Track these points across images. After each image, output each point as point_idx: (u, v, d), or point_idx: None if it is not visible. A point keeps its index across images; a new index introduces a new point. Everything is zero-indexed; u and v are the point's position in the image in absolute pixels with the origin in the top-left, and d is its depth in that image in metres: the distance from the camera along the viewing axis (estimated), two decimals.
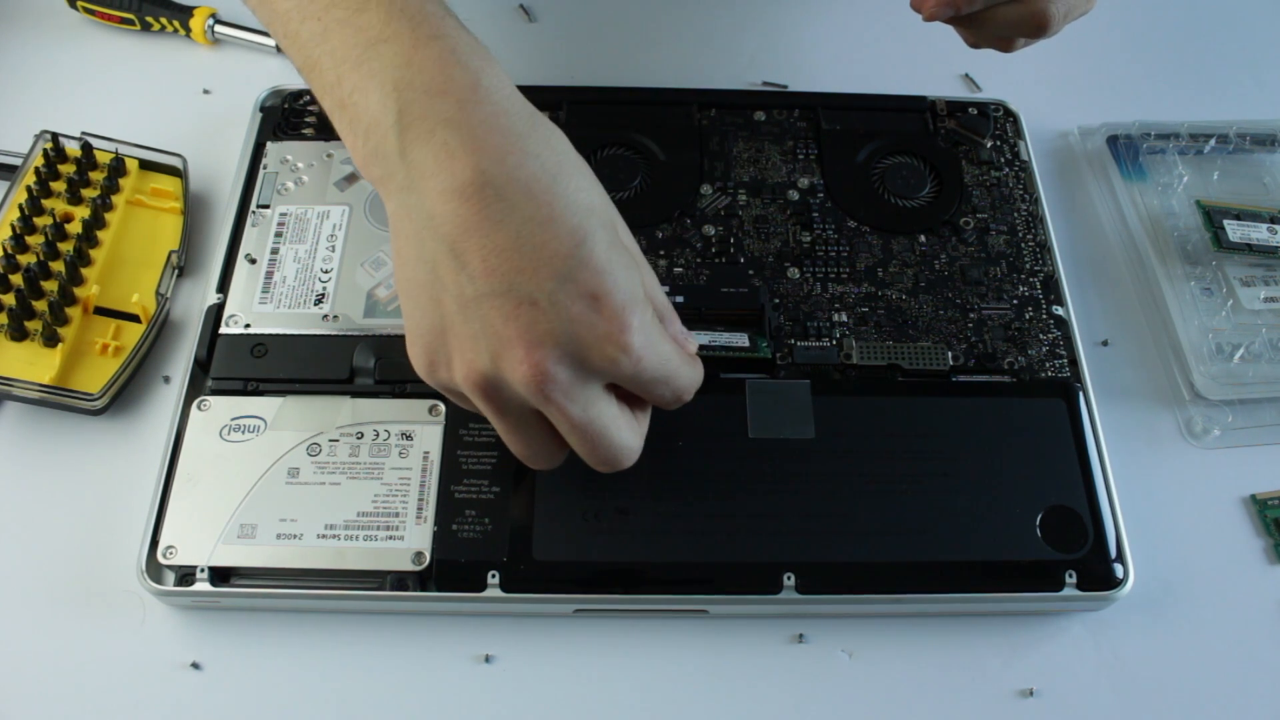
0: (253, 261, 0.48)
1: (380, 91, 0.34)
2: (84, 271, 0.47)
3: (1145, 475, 0.46)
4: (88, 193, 0.49)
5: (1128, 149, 0.55)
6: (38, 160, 0.50)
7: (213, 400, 0.44)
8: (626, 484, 0.42)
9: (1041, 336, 0.47)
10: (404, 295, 0.36)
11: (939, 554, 0.41)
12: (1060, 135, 0.58)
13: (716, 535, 0.41)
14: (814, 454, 0.43)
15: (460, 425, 0.43)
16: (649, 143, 0.52)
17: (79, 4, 0.58)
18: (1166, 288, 0.50)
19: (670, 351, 0.36)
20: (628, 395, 0.37)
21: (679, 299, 0.47)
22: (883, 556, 0.41)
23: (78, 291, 0.47)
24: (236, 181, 0.50)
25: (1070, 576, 0.41)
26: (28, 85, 0.56)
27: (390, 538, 0.41)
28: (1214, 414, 0.48)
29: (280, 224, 0.49)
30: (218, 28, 0.58)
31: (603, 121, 0.53)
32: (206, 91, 0.57)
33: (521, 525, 0.41)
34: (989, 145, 0.54)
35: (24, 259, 0.47)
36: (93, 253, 0.48)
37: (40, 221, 0.48)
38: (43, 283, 0.46)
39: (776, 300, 0.48)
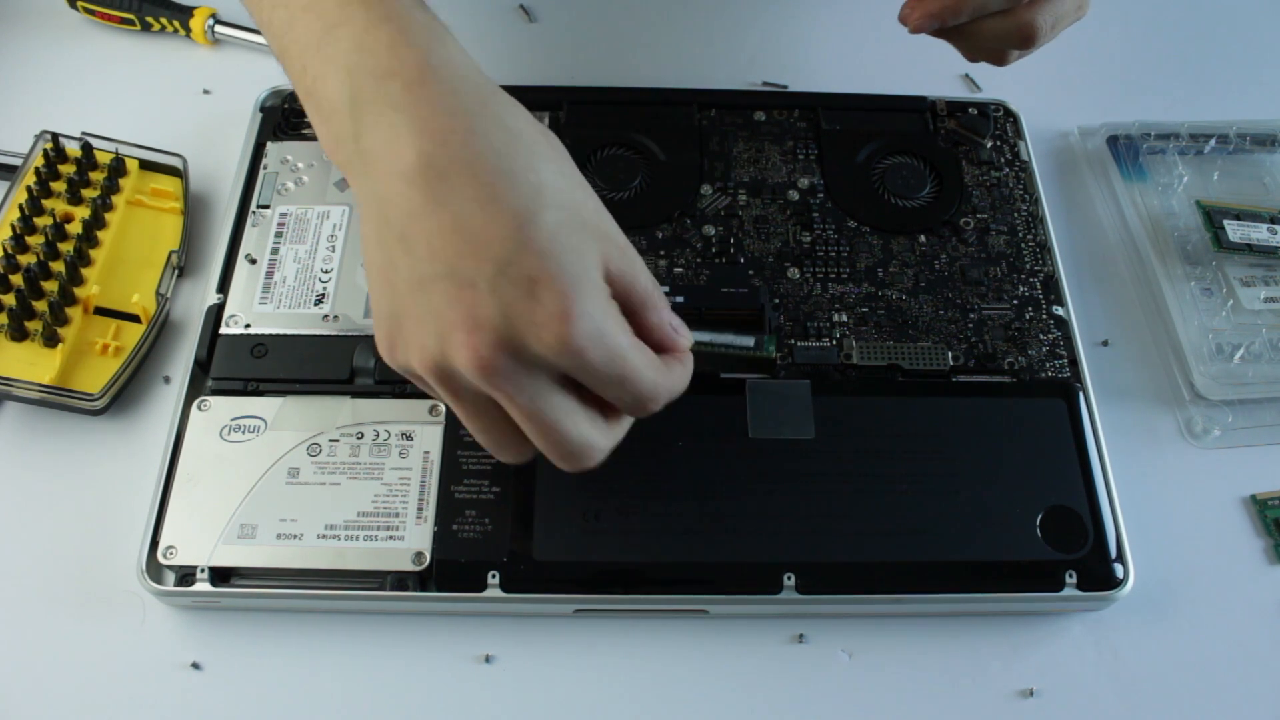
0: (253, 262, 0.48)
1: (337, 77, 0.34)
2: (84, 271, 0.47)
3: (1145, 475, 0.46)
4: (88, 193, 0.49)
5: (1128, 149, 0.55)
6: (38, 160, 0.50)
7: (213, 400, 0.44)
8: (626, 484, 0.42)
9: (1041, 336, 0.47)
10: (368, 279, 0.35)
11: (939, 554, 0.41)
12: (1060, 135, 0.58)
13: (716, 535, 0.41)
14: (814, 454, 0.43)
15: (460, 425, 0.43)
16: (649, 143, 0.52)
17: (79, 4, 0.58)
18: (1166, 288, 0.50)
19: (626, 348, 0.33)
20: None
21: (679, 299, 0.47)
22: (883, 556, 0.41)
23: (78, 291, 0.47)
24: (236, 181, 0.50)
25: (1070, 576, 0.41)
26: (28, 85, 0.56)
27: (390, 538, 0.41)
28: (1214, 414, 0.48)
29: (280, 224, 0.49)
30: (218, 28, 0.58)
31: (603, 121, 0.53)
32: (206, 91, 0.57)
33: (521, 525, 0.41)
34: (989, 145, 0.54)
35: (24, 259, 0.47)
36: (93, 253, 0.48)
37: (40, 221, 0.48)
38: (43, 283, 0.46)
39: (776, 300, 0.48)
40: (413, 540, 0.41)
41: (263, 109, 0.53)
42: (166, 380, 0.47)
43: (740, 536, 0.41)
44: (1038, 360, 0.47)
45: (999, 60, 0.46)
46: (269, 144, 0.51)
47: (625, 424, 0.37)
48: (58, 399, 0.44)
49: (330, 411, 0.44)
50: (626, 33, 0.61)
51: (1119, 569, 0.42)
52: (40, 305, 0.45)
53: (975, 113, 0.55)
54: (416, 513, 0.42)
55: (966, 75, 0.59)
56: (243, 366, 0.45)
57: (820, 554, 0.41)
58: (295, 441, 0.43)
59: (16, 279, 0.46)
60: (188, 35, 0.58)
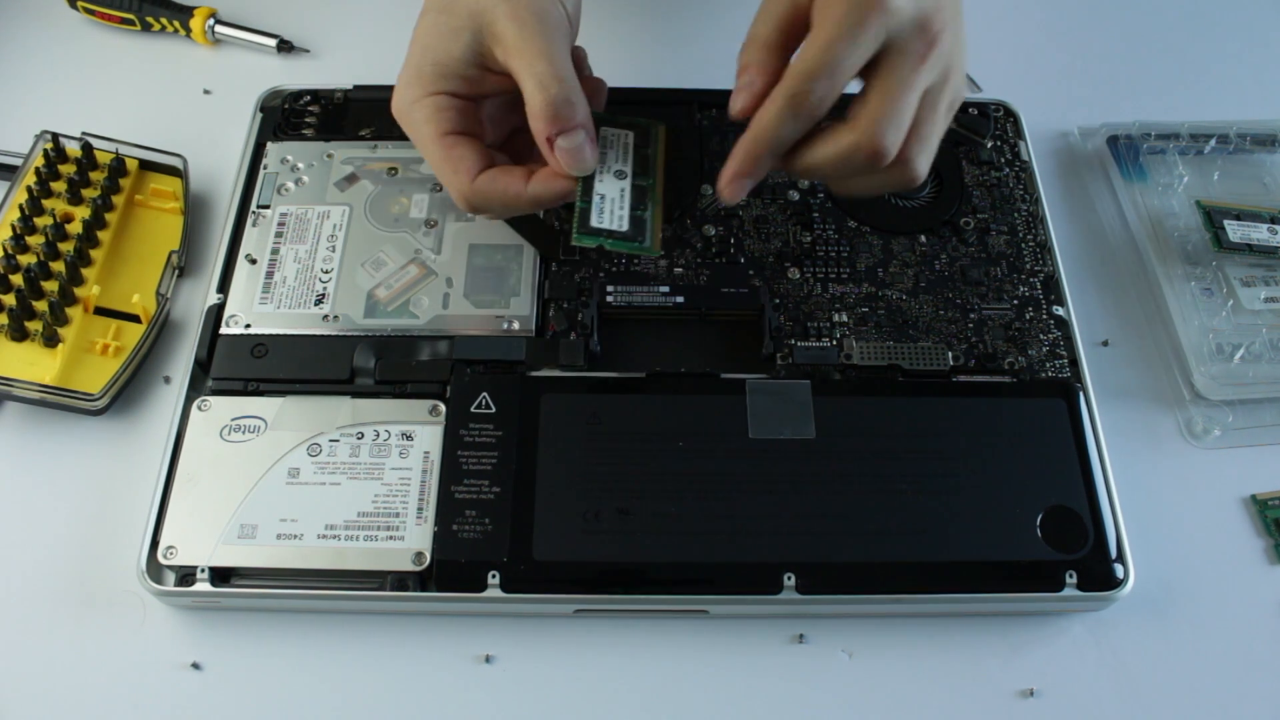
0: (253, 262, 0.48)
1: None
2: (84, 271, 0.47)
3: (1145, 475, 0.46)
4: (88, 193, 0.49)
5: (1128, 149, 0.55)
6: (38, 160, 0.50)
7: (213, 400, 0.44)
8: (626, 484, 0.42)
9: (1042, 336, 0.47)
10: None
11: (939, 554, 0.41)
12: (1060, 135, 0.58)
13: (716, 535, 0.41)
14: (814, 454, 0.43)
15: (460, 425, 0.43)
16: None
17: (79, 4, 0.58)
18: (1167, 288, 0.50)
19: (420, 141, 0.42)
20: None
21: (679, 299, 0.47)
22: (883, 556, 0.41)
23: (78, 291, 0.47)
24: (236, 181, 0.50)
25: (1070, 576, 0.41)
26: (28, 85, 0.56)
27: (390, 538, 0.41)
28: (1214, 414, 0.48)
29: (280, 224, 0.49)
30: (218, 28, 0.58)
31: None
32: (206, 91, 0.57)
33: (521, 525, 0.41)
34: (989, 145, 0.54)
35: (24, 259, 0.47)
36: (93, 253, 0.48)
37: (40, 222, 0.48)
38: (43, 283, 0.46)
39: (777, 300, 0.48)
40: (413, 540, 0.41)
41: (263, 109, 0.53)
42: (166, 380, 0.47)
43: (740, 536, 0.41)
44: (1038, 360, 0.47)
45: (867, 191, 0.42)
46: (269, 144, 0.51)
47: (498, 179, 0.41)
48: (58, 399, 0.44)
49: (330, 411, 0.44)
50: (626, 33, 0.61)
51: (1119, 569, 0.42)
52: (40, 305, 0.45)
53: (975, 113, 0.55)
54: (416, 513, 0.42)
55: (967, 75, 0.59)
56: (243, 366, 0.45)
57: (820, 554, 0.41)
58: (295, 441, 0.43)
59: (17, 279, 0.46)
60: (188, 35, 0.58)
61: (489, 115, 0.44)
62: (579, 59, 0.44)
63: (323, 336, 0.46)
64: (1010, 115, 0.55)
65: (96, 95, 0.56)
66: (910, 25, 0.37)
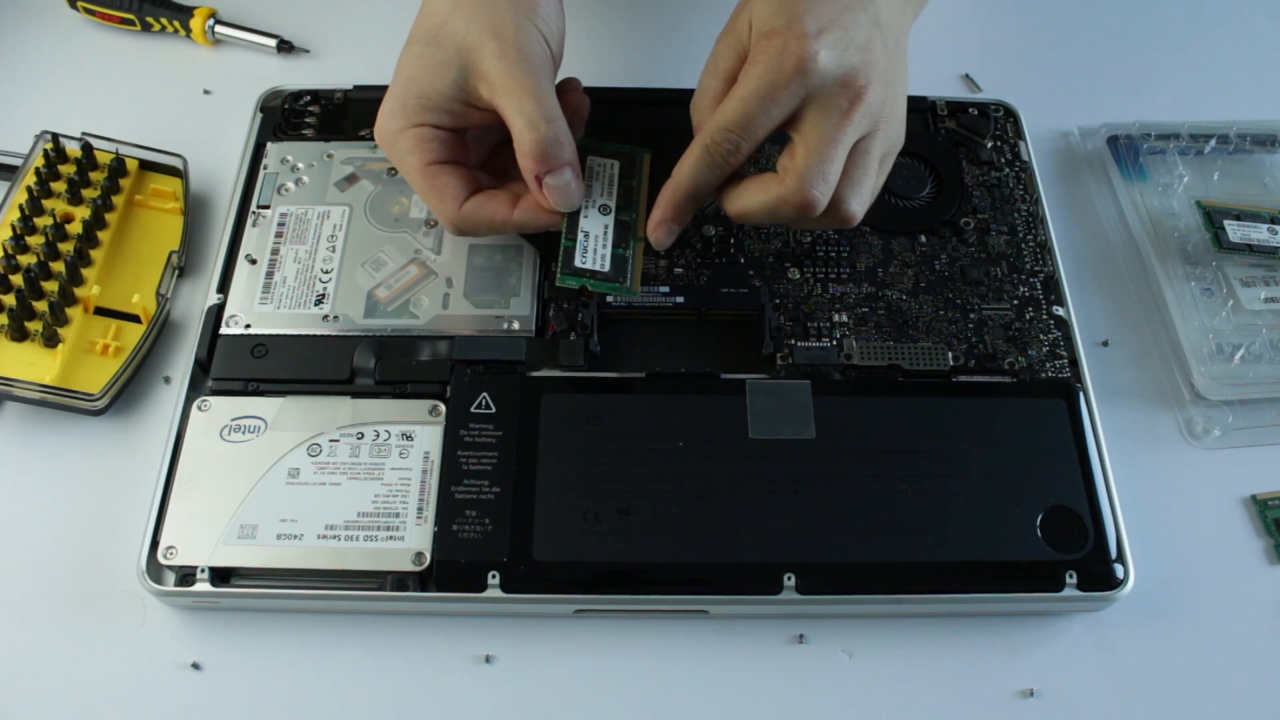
0: (253, 262, 0.48)
1: None
2: (84, 272, 0.47)
3: (1145, 475, 0.46)
4: (88, 193, 0.49)
5: (1128, 149, 0.55)
6: (38, 160, 0.50)
7: (213, 400, 0.44)
8: (626, 484, 0.42)
9: (1042, 337, 0.47)
10: None
11: (939, 554, 0.41)
12: (1060, 135, 0.58)
13: (716, 535, 0.41)
14: (814, 454, 0.43)
15: (460, 425, 0.43)
16: (649, 142, 0.52)
17: (79, 4, 0.58)
18: (1167, 288, 0.50)
19: (406, 170, 0.43)
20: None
21: (679, 299, 0.47)
22: (883, 556, 0.41)
23: (78, 292, 0.47)
24: (237, 182, 0.50)
25: (1070, 577, 0.41)
26: (28, 85, 0.56)
27: (390, 538, 0.41)
28: (1214, 414, 0.48)
29: (280, 224, 0.49)
30: (218, 28, 0.58)
31: (603, 121, 0.53)
32: (206, 91, 0.57)
33: (521, 525, 0.41)
34: (989, 145, 0.54)
35: (24, 259, 0.47)
36: (93, 253, 0.48)
37: (40, 222, 0.48)
38: (43, 283, 0.46)
39: (777, 300, 0.48)
40: (413, 540, 0.41)
41: (263, 109, 0.53)
42: (166, 380, 0.47)
43: (740, 536, 0.41)
44: (1038, 360, 0.47)
45: (845, 221, 0.42)
46: (269, 144, 0.51)
47: (483, 205, 0.43)
48: (58, 399, 0.44)
49: (330, 411, 0.44)
50: (626, 33, 0.61)
51: (1119, 569, 0.42)
52: (40, 305, 0.45)
53: (975, 113, 0.55)
54: (416, 513, 0.42)
55: (967, 75, 0.59)
56: (243, 366, 0.45)
57: (820, 554, 0.41)
58: (295, 441, 0.43)
59: (17, 279, 0.46)
60: (188, 35, 0.58)
61: (472, 139, 0.45)
62: (573, 86, 0.46)
63: (323, 336, 0.46)
64: (1010, 115, 0.55)
65: (96, 95, 0.56)
66: (833, 82, 0.38)
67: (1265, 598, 0.44)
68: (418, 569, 0.41)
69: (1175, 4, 0.64)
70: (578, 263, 0.43)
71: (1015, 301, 0.48)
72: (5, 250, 0.46)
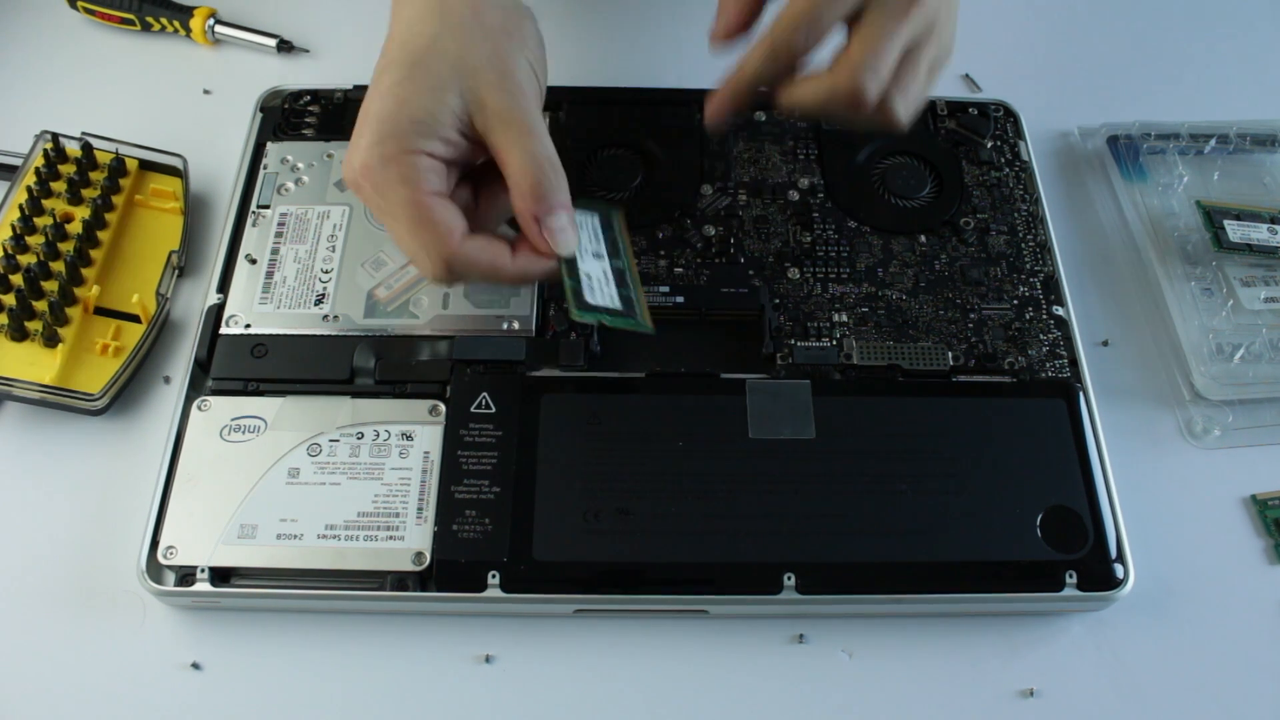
0: (253, 262, 0.48)
1: None
2: (84, 272, 0.47)
3: (1145, 475, 0.46)
4: (88, 193, 0.49)
5: (1128, 149, 0.55)
6: (38, 160, 0.50)
7: (213, 400, 0.44)
8: (626, 484, 0.42)
9: (1042, 337, 0.47)
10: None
11: (939, 554, 0.41)
12: (1060, 135, 0.58)
13: (716, 535, 0.41)
14: (814, 454, 0.43)
15: (460, 425, 0.43)
16: (649, 143, 0.52)
17: (79, 4, 0.58)
18: (1167, 288, 0.50)
19: (395, 203, 0.38)
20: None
21: (679, 299, 0.47)
22: (883, 556, 0.41)
23: (78, 291, 0.47)
24: (237, 181, 0.50)
25: (1070, 577, 0.41)
26: (28, 85, 0.56)
27: (390, 538, 0.41)
28: (1214, 414, 0.48)
29: (280, 224, 0.49)
30: (218, 28, 0.58)
31: (603, 121, 0.53)
32: (206, 91, 0.57)
33: (521, 525, 0.41)
34: (989, 145, 0.54)
35: (24, 259, 0.47)
36: (93, 253, 0.48)
37: (40, 222, 0.48)
38: (43, 283, 0.46)
39: (777, 300, 0.48)
40: (413, 540, 0.41)
41: (263, 109, 0.53)
42: (166, 380, 0.47)
43: (740, 536, 0.41)
44: (1038, 360, 0.47)
45: (891, 123, 0.42)
46: (269, 144, 0.51)
47: (484, 246, 0.40)
48: (58, 399, 0.44)
49: (330, 411, 0.44)
50: (626, 33, 0.61)
51: (1119, 569, 0.42)
52: (40, 305, 0.45)
53: (975, 113, 0.55)
54: (416, 513, 0.42)
55: (967, 75, 0.59)
56: (243, 366, 0.45)
57: (820, 554, 0.41)
58: (295, 441, 0.43)
59: (17, 279, 0.46)
60: (188, 35, 0.58)
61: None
62: None
63: (323, 336, 0.46)
64: (1010, 115, 0.55)
65: (96, 95, 0.56)
66: None
67: (1265, 598, 0.44)
68: (418, 569, 0.41)
69: (1175, 4, 0.64)
70: (588, 299, 0.41)
71: (1015, 301, 0.48)
72: (5, 250, 0.46)
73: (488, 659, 0.41)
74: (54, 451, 0.45)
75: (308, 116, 0.53)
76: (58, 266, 0.47)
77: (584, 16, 0.61)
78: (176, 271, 0.50)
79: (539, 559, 0.41)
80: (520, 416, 0.43)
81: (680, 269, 0.49)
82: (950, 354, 0.46)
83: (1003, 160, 0.53)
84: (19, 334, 0.45)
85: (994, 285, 0.49)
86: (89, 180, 0.50)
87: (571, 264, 0.41)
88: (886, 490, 0.43)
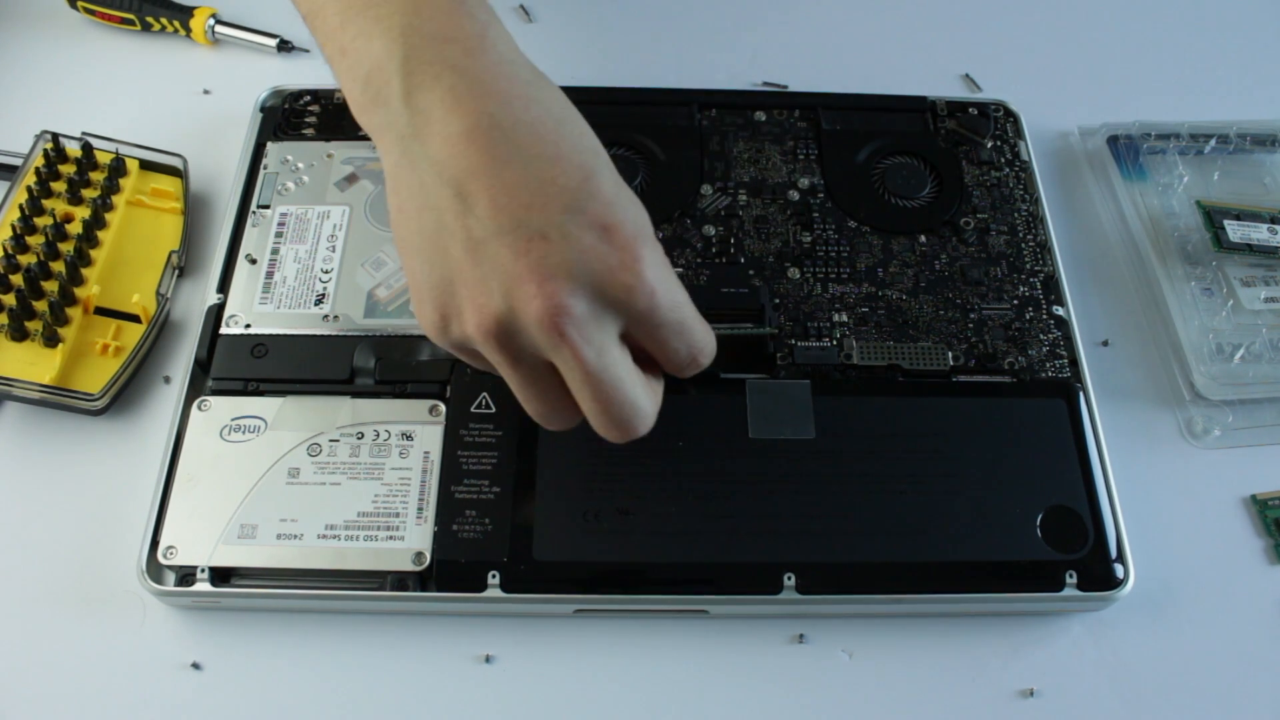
0: (253, 262, 0.48)
1: (385, 37, 0.34)
2: (84, 271, 0.47)
3: (1145, 475, 0.46)
4: (88, 193, 0.49)
5: (1128, 149, 0.55)
6: (38, 160, 0.50)
7: (213, 400, 0.44)
8: (626, 484, 0.42)
9: (1042, 336, 0.47)
10: (408, 251, 0.35)
11: (939, 554, 0.41)
12: (1060, 135, 0.58)
13: (716, 535, 0.41)
14: (814, 454, 0.43)
15: (460, 425, 0.43)
16: (649, 143, 0.52)
17: (79, 4, 0.58)
18: (1167, 288, 0.50)
19: (685, 298, 0.35)
20: (643, 360, 0.36)
21: None
22: (883, 556, 0.41)
23: (78, 292, 0.47)
24: (237, 181, 0.50)
25: (1070, 576, 0.41)
26: (28, 85, 0.56)
27: (390, 538, 0.41)
28: (1214, 414, 0.48)
29: (280, 224, 0.49)
30: (218, 28, 0.58)
31: (603, 121, 0.53)
32: (206, 91, 0.57)
33: (521, 525, 0.41)
34: (989, 145, 0.54)
35: (24, 259, 0.47)
36: (93, 253, 0.48)
37: (40, 222, 0.48)
38: (43, 283, 0.46)
39: (777, 300, 0.48)
40: (413, 540, 0.41)
41: (263, 109, 0.53)
42: (166, 380, 0.47)
43: (740, 536, 0.41)
44: (1038, 360, 0.47)
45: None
46: (269, 144, 0.51)
47: (661, 389, 0.38)
48: (58, 399, 0.44)
49: (330, 411, 0.44)
50: (626, 33, 0.61)
51: (1119, 569, 0.42)
52: (40, 305, 0.45)
53: (975, 113, 0.55)
54: (416, 513, 0.42)
55: (967, 75, 0.59)
56: (243, 366, 0.45)
57: (820, 554, 0.41)
58: (295, 441, 0.43)
59: (17, 279, 0.46)
60: (188, 35, 0.58)
61: None
62: None
63: (323, 336, 0.46)
64: (1010, 115, 0.55)
65: (96, 95, 0.56)
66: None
67: (1265, 598, 0.44)
68: (418, 569, 0.41)
69: (1175, 4, 0.64)
70: None
71: (1015, 301, 0.48)
72: (5, 250, 0.46)
73: (488, 659, 0.41)
74: (54, 451, 0.45)
75: (308, 116, 0.53)
76: (58, 266, 0.47)
77: (584, 16, 0.61)
78: (176, 271, 0.50)
79: (539, 559, 0.41)
80: (520, 416, 0.43)
81: (680, 269, 0.49)
82: (950, 354, 0.46)
83: (1003, 160, 0.53)
84: (19, 334, 0.45)
85: (994, 285, 0.49)
86: (89, 180, 0.50)
87: None
88: (886, 490, 0.43)
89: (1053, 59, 0.61)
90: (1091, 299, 0.51)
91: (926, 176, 0.52)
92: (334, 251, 0.48)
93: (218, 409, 0.44)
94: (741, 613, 0.42)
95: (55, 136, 0.50)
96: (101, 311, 0.47)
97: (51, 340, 0.45)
